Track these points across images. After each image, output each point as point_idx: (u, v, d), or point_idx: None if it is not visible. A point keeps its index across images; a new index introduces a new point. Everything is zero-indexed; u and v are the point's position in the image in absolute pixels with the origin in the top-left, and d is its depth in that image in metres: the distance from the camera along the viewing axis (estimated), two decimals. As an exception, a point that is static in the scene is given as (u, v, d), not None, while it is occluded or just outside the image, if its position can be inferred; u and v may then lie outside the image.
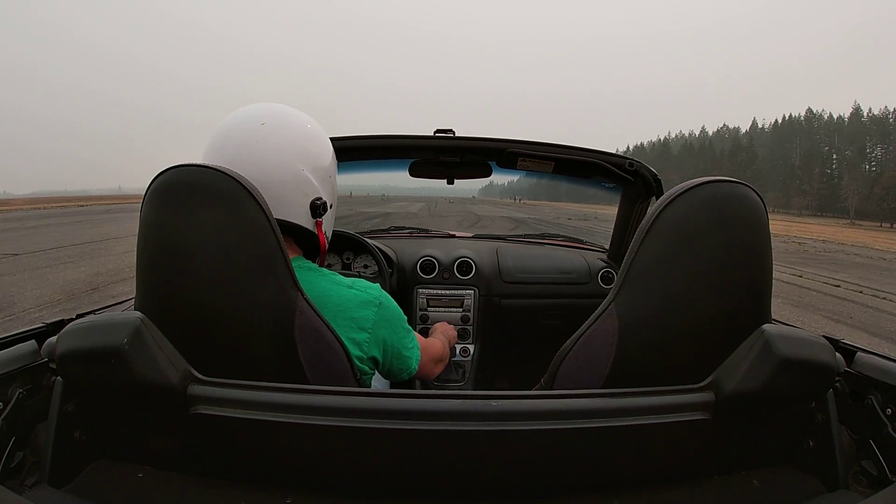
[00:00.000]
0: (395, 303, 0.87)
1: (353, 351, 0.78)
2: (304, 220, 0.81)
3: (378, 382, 1.27)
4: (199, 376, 0.61)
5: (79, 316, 0.82)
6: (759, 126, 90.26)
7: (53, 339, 0.67)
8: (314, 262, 0.85)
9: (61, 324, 0.79)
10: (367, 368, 0.81)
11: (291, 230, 0.80)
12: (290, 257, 0.78)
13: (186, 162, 0.67)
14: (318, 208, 0.81)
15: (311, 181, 0.80)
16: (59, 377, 0.66)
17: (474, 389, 1.62)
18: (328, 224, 0.86)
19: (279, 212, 0.76)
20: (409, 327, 0.90)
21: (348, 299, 0.79)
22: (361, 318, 0.79)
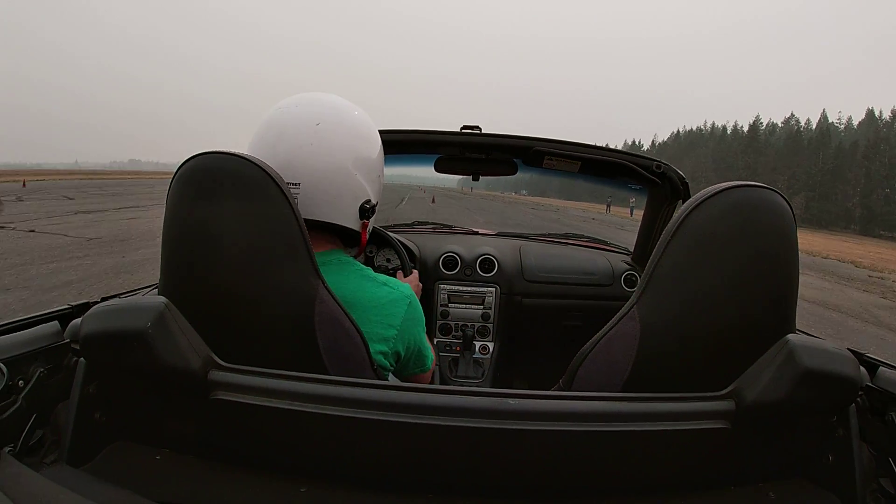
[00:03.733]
0: (422, 331, 0.88)
1: (379, 346, 0.78)
2: (352, 221, 0.81)
3: (392, 379, 1.27)
4: (220, 362, 0.62)
5: (104, 299, 0.83)
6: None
7: (78, 320, 0.68)
8: (350, 254, 0.86)
9: (86, 306, 0.80)
10: (388, 364, 0.81)
11: (336, 229, 0.80)
12: (328, 249, 0.79)
13: (214, 150, 0.67)
14: (366, 211, 0.82)
15: (361, 184, 0.81)
16: (81, 358, 0.67)
17: (492, 387, 1.62)
18: (373, 221, 0.87)
19: (327, 214, 0.78)
20: (424, 327, 0.91)
21: (381, 296, 0.80)
22: (392, 315, 0.80)
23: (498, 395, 0.59)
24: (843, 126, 75.61)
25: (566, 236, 2.13)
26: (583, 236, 2.15)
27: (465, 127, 1.40)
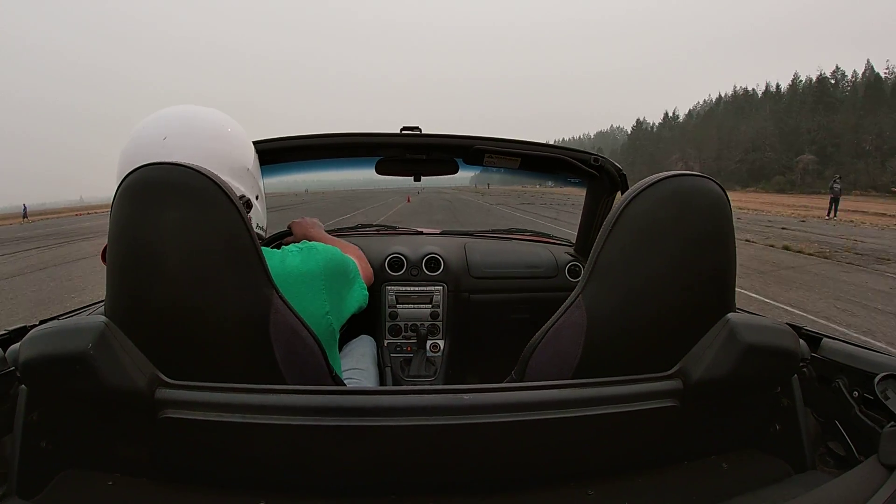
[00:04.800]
0: (327, 248, 0.89)
1: (322, 306, 0.81)
2: None
3: (368, 381, 1.30)
4: (167, 379, 0.60)
5: (42, 322, 0.81)
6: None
7: (16, 346, 0.66)
8: None
9: (24, 330, 0.78)
10: (335, 322, 0.85)
11: None
12: None
13: (158, 161, 0.65)
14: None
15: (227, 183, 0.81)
16: (23, 385, 0.65)
17: (445, 385, 1.63)
18: (258, 216, 0.87)
19: None
20: (344, 256, 0.93)
21: (290, 266, 0.81)
22: (312, 273, 0.82)
23: (452, 391, 0.60)
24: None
25: (510, 231, 2.15)
26: (525, 230, 2.17)
27: (405, 128, 1.41)
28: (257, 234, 0.86)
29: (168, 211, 0.62)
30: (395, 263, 1.72)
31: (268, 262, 0.79)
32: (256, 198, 0.87)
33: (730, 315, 0.66)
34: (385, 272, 1.71)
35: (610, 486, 0.67)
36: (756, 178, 62.52)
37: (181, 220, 0.62)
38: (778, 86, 70.71)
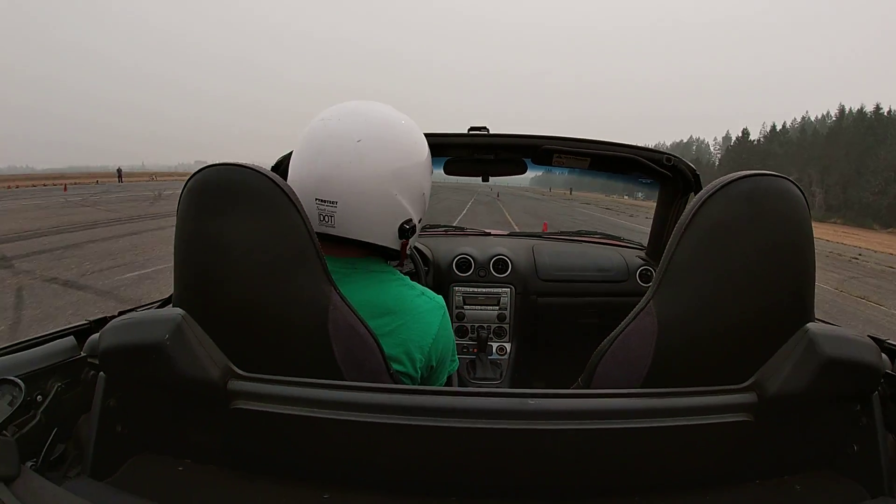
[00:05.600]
0: (450, 332, 0.88)
1: (416, 355, 0.79)
2: (391, 241, 0.80)
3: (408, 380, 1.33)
4: (239, 372, 0.62)
5: (121, 313, 0.85)
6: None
7: (96, 335, 0.69)
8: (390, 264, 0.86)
9: (103, 321, 0.82)
10: (417, 373, 0.81)
11: (375, 248, 0.80)
12: (360, 256, 0.79)
13: (223, 161, 0.69)
14: (405, 231, 0.80)
15: (402, 204, 0.78)
16: (101, 373, 0.68)
17: (511, 388, 1.63)
18: (414, 238, 0.85)
19: (366, 234, 0.76)
20: (455, 354, 0.91)
21: (420, 304, 0.81)
22: (429, 324, 0.80)
23: (517, 395, 0.59)
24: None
25: (579, 234, 2.11)
26: (595, 233, 2.13)
27: (472, 128, 1.40)
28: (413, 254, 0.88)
29: (232, 211, 0.65)
30: (463, 264, 1.73)
31: (403, 288, 0.82)
32: (419, 220, 0.85)
33: (809, 325, 0.62)
34: (453, 273, 1.72)
35: (675, 502, 0.64)
36: (900, 216, 49.17)
37: (245, 219, 0.65)
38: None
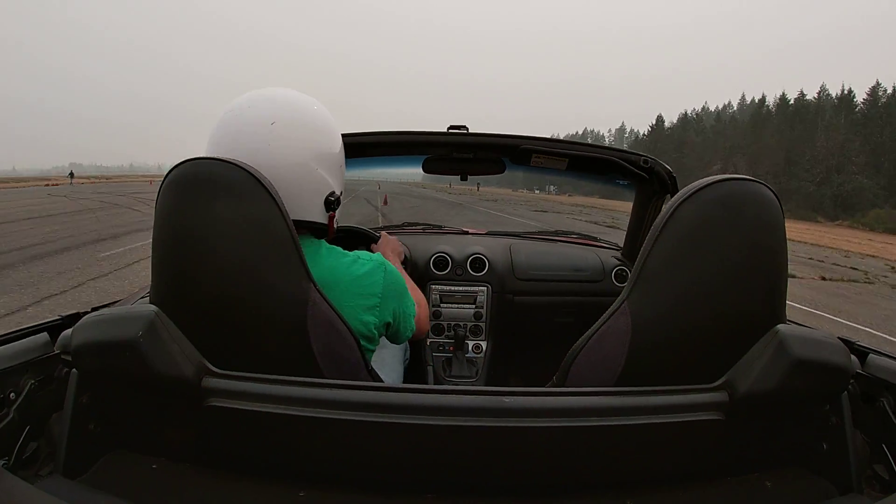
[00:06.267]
0: (400, 278, 0.89)
1: (367, 317, 0.80)
2: (318, 216, 0.81)
3: (393, 373, 1.30)
4: (214, 369, 0.62)
5: (94, 309, 0.83)
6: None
7: (69, 331, 0.68)
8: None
9: (76, 317, 0.80)
10: (377, 334, 0.83)
11: (303, 224, 0.80)
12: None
13: (201, 156, 0.68)
14: (331, 203, 0.82)
15: (324, 178, 0.81)
16: (73, 369, 0.67)
17: (487, 386, 1.63)
18: (339, 210, 0.87)
19: (294, 212, 0.76)
20: (409, 295, 0.92)
21: (355, 270, 0.81)
22: (371, 285, 0.81)
23: (492, 392, 0.59)
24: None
25: (556, 233, 2.13)
26: (572, 233, 2.15)
27: (451, 127, 1.40)
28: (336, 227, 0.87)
29: (213, 204, 0.64)
30: (440, 262, 1.73)
31: (335, 259, 0.82)
32: (341, 193, 0.88)
33: (780, 326, 0.64)
34: (430, 271, 1.72)
35: (649, 499, 0.65)
36: (845, 207, 45.48)
37: (224, 213, 0.65)
38: (851, 92, 55.42)
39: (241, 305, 0.66)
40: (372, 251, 1.07)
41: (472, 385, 1.62)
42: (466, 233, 2.09)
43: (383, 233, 1.33)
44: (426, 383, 1.53)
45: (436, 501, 0.62)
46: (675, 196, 0.69)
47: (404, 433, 0.59)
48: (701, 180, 0.67)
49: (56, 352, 0.72)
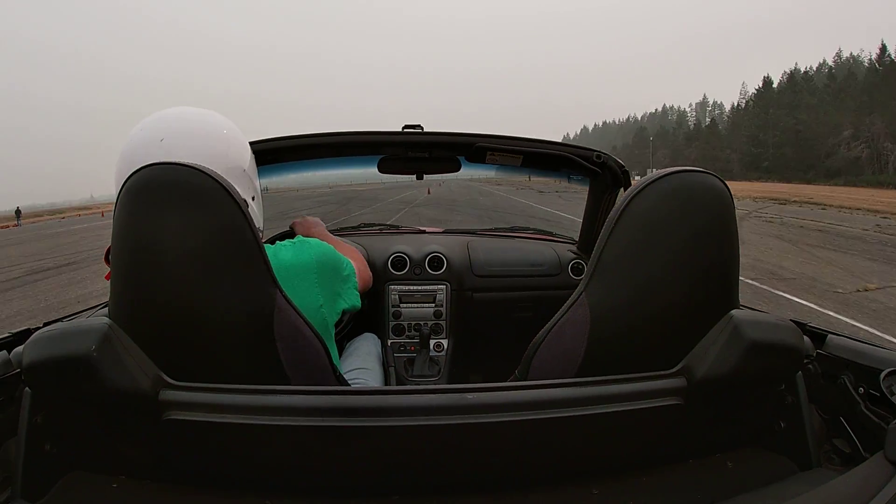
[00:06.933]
0: (319, 243, 0.90)
1: (321, 301, 0.82)
2: None
3: (373, 381, 1.30)
4: (171, 381, 0.60)
5: (46, 324, 0.80)
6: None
7: (20, 348, 0.66)
8: None
9: (27, 333, 0.78)
10: (327, 306, 0.85)
11: None
12: None
13: (162, 161, 0.65)
14: None
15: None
16: (27, 388, 0.65)
17: (449, 384, 1.63)
18: (255, 217, 0.87)
19: None
20: (337, 254, 0.94)
21: (285, 262, 0.82)
22: (306, 272, 0.83)
23: (455, 390, 0.60)
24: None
25: (512, 229, 2.13)
26: (528, 228, 2.14)
27: (406, 126, 1.40)
28: None
29: (170, 210, 0.62)
30: (398, 262, 1.73)
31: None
32: (253, 199, 0.88)
33: (734, 312, 0.65)
34: (388, 271, 1.72)
35: (614, 485, 0.67)
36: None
37: (184, 219, 0.62)
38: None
39: (201, 315, 0.64)
40: (293, 238, 1.11)
41: (435, 384, 1.62)
42: (423, 232, 2.09)
43: (295, 220, 1.32)
44: (389, 384, 1.52)
45: (402, 502, 0.63)
46: (629, 189, 0.70)
47: (368, 436, 0.59)
48: (653, 173, 0.69)
49: (17, 370, 0.69)
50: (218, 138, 0.83)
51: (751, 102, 70.91)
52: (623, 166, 1.42)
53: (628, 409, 0.61)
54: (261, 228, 0.92)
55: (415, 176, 1.66)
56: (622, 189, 1.45)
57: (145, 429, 0.62)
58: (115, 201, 0.66)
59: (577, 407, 0.60)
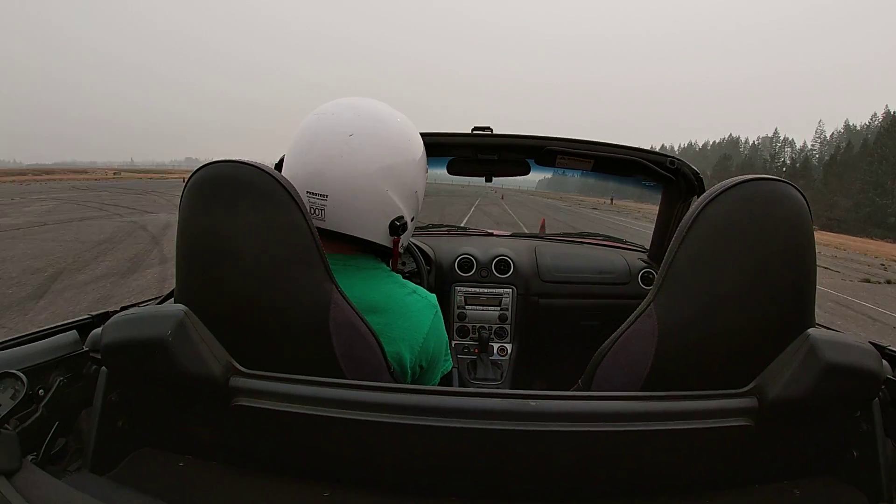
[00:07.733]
0: (443, 334, 0.87)
1: (406, 354, 0.79)
2: (381, 237, 0.79)
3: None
4: (241, 369, 0.62)
5: (123, 308, 0.84)
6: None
7: (98, 330, 0.69)
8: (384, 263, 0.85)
9: (106, 316, 0.82)
10: (409, 373, 0.81)
11: (365, 244, 0.79)
12: (353, 253, 0.79)
13: (225, 158, 0.69)
14: (396, 228, 0.79)
15: (393, 201, 0.78)
16: (103, 367, 0.68)
17: (512, 389, 1.62)
18: (406, 237, 0.84)
19: (355, 228, 0.76)
20: (447, 354, 0.90)
21: (410, 303, 0.80)
22: (420, 323, 0.80)
23: (517, 396, 0.59)
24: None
25: (581, 235, 2.11)
26: (598, 234, 2.12)
27: (476, 128, 1.40)
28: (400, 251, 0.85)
29: (235, 207, 0.65)
30: (465, 264, 1.73)
31: (392, 286, 0.81)
32: (412, 219, 0.84)
33: (810, 331, 0.62)
34: (455, 273, 1.72)
35: None
36: None
37: (247, 216, 0.65)
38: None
39: (262, 307, 0.67)
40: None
41: (497, 387, 1.61)
42: (491, 234, 2.09)
43: None
44: (451, 385, 1.54)
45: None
46: (702, 196, 0.68)
47: (428, 435, 0.58)
48: (727, 180, 0.66)
49: (85, 349, 0.74)
50: (405, 154, 0.79)
51: (869, 139, 60.01)
52: (697, 173, 1.38)
53: (694, 428, 0.59)
54: (405, 245, 0.87)
55: (483, 178, 1.65)
56: (696, 197, 1.42)
57: (214, 412, 0.64)
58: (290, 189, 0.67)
59: (641, 422, 0.58)
